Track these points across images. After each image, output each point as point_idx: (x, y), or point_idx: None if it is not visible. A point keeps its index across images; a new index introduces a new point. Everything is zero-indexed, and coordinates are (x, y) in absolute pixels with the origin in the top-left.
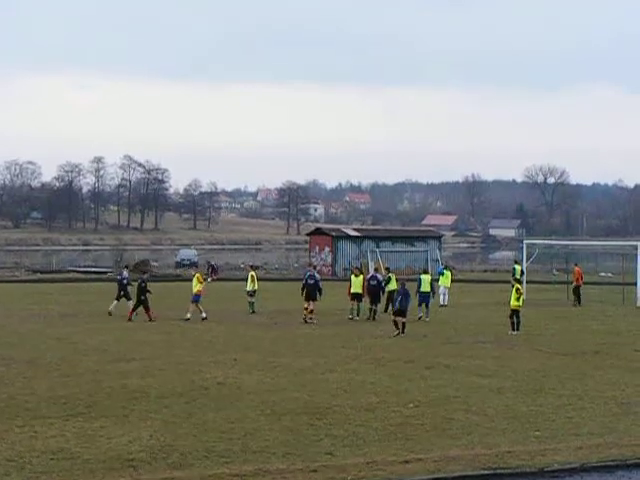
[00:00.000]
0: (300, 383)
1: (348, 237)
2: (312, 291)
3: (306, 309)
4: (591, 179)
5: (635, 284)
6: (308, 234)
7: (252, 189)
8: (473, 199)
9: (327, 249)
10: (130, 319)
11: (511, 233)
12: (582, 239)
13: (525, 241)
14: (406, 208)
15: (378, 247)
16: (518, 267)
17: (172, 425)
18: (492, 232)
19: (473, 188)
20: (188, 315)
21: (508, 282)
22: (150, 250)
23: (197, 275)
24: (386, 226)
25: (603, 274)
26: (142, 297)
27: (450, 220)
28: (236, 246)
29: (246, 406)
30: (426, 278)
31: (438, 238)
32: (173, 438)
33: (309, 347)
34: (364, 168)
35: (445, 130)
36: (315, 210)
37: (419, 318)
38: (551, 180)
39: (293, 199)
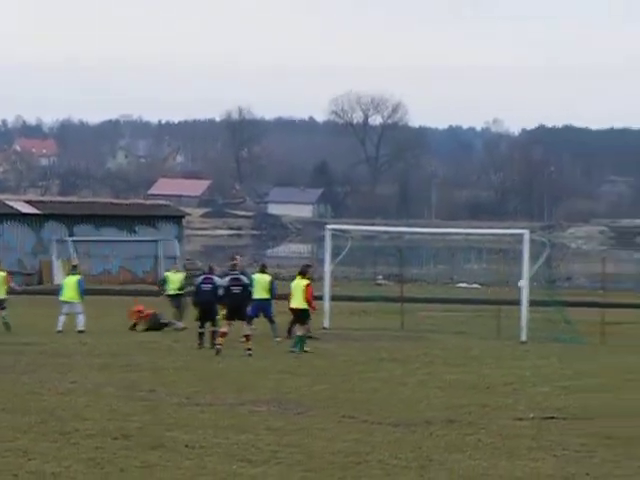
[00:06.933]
0: None
1: (17, 216)
2: (240, 303)
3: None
4: None
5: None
6: None
7: None
8: (240, 151)
9: None
10: None
11: (307, 212)
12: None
13: (329, 226)
14: (121, 163)
15: (72, 234)
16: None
17: None
18: (272, 210)
19: (241, 129)
20: None
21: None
22: None
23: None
24: (87, 197)
25: (464, 285)
26: None
27: (201, 188)
28: None
29: None
30: (261, 279)
31: (178, 219)
32: None
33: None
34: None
35: None
36: None
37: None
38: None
39: None
